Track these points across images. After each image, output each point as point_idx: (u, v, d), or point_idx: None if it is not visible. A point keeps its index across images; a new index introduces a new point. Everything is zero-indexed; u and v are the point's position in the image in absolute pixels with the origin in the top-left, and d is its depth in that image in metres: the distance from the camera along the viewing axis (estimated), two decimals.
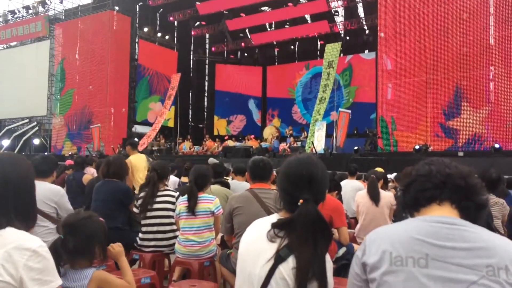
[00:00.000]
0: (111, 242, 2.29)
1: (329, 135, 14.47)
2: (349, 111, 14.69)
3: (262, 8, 20.90)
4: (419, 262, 1.16)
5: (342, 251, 3.71)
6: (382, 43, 13.86)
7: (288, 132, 17.91)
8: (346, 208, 5.26)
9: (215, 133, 23.00)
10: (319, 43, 22.37)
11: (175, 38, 23.35)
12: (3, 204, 1.37)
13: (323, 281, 1.42)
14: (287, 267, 1.44)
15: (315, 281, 1.41)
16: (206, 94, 24.99)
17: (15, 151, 18.42)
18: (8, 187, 1.39)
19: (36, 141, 21.97)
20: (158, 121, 19.01)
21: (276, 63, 24.52)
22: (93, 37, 19.60)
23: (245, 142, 17.67)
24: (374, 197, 4.65)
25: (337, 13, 20.64)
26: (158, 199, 3.90)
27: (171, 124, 21.75)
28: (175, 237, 3.79)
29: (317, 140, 13.74)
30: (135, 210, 3.96)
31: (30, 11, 22.54)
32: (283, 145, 16.33)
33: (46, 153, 17.73)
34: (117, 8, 19.83)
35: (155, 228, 3.83)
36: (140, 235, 3.85)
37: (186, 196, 3.65)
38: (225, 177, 5.34)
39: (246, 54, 24.89)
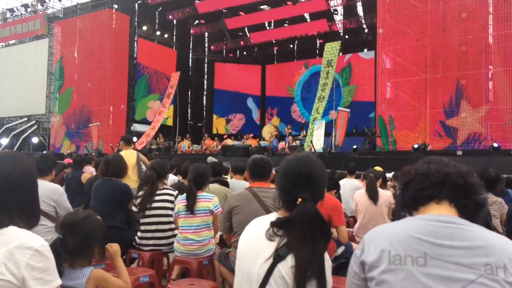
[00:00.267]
0: (110, 241, 2.29)
1: (328, 134, 14.47)
2: (348, 110, 14.70)
3: (261, 7, 20.86)
4: (417, 260, 1.16)
5: (341, 250, 3.71)
6: (381, 41, 13.86)
7: (287, 131, 17.91)
8: (345, 207, 5.28)
9: (214, 131, 22.99)
10: (318, 41, 22.34)
11: (174, 37, 23.31)
12: (5, 202, 1.37)
13: (322, 279, 1.42)
14: (286, 266, 1.44)
15: (314, 279, 1.41)
16: (205, 93, 24.96)
17: (14, 150, 18.40)
18: (11, 186, 1.39)
19: (35, 140, 21.94)
20: (157, 119, 19.00)
21: (275, 62, 24.49)
22: (92, 35, 19.56)
23: (243, 141, 17.66)
24: (373, 196, 4.65)
25: (336, 12, 20.62)
26: (157, 197, 3.90)
27: (170, 122, 21.74)
28: (174, 235, 3.80)
29: (316, 139, 13.74)
30: (134, 209, 3.96)
31: (29, 9, 22.48)
32: (282, 144, 16.34)
33: (44, 152, 17.71)
34: (116, 6, 19.78)
35: (153, 227, 3.83)
36: (139, 234, 3.85)
37: (185, 194, 3.65)
38: (223, 175, 5.34)
39: (245, 53, 24.86)
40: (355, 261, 1.28)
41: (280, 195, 1.62)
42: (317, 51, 22.26)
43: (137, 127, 20.56)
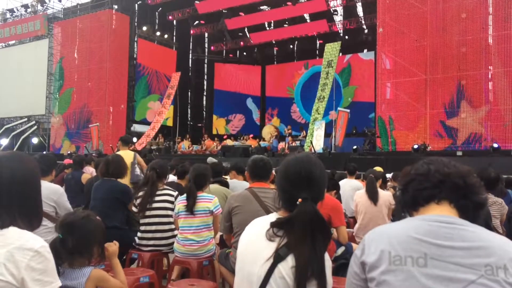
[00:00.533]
0: (110, 241, 2.29)
1: (328, 134, 14.48)
2: (348, 111, 14.70)
3: (261, 7, 20.87)
4: (418, 261, 1.16)
5: (341, 250, 3.71)
6: (381, 42, 13.86)
7: (287, 132, 17.92)
8: (345, 208, 5.27)
9: (214, 132, 23.00)
10: (318, 42, 22.35)
11: (174, 37, 23.32)
12: (8, 203, 1.37)
13: (322, 280, 1.42)
14: (286, 266, 1.44)
15: (314, 280, 1.41)
16: (205, 93, 24.97)
17: (14, 150, 18.37)
18: (13, 186, 1.39)
19: (35, 140, 21.94)
20: (157, 120, 19.00)
21: (275, 62, 24.51)
22: (92, 36, 19.57)
23: (243, 142, 17.65)
24: (373, 196, 4.65)
25: (336, 12, 20.63)
26: (157, 198, 3.90)
27: (170, 123, 21.74)
28: (174, 236, 3.79)
29: (316, 139, 13.74)
30: (134, 209, 3.96)
31: (29, 10, 22.49)
32: (282, 145, 16.34)
33: (44, 152, 17.71)
34: (116, 7, 19.80)
35: (154, 228, 3.83)
36: (139, 234, 3.85)
37: (185, 195, 3.65)
38: (223, 176, 5.34)
39: (245, 53, 24.86)
40: (355, 261, 1.28)
41: (280, 196, 1.62)
42: (317, 51, 22.28)
43: (137, 127, 20.56)
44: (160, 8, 21.66)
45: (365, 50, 20.62)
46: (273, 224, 1.51)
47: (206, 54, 24.80)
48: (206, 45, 24.91)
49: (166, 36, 22.17)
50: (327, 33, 20.68)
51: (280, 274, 1.44)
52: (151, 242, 3.80)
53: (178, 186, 4.72)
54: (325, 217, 1.56)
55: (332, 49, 15.86)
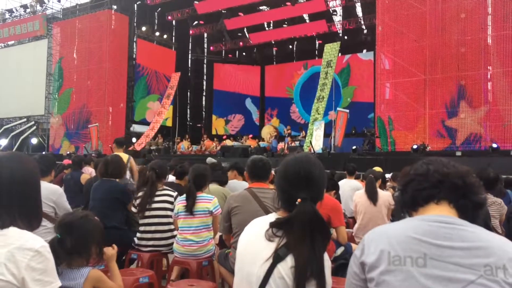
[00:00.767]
0: (109, 241, 2.29)
1: (327, 134, 14.49)
2: (347, 111, 14.70)
3: (260, 8, 20.87)
4: (417, 261, 1.16)
5: (340, 250, 3.71)
6: (380, 42, 13.87)
7: (286, 132, 17.92)
8: (344, 208, 5.27)
9: (213, 132, 22.99)
10: (317, 42, 22.35)
11: (173, 37, 23.32)
12: (8, 203, 1.37)
13: (322, 280, 1.42)
14: (286, 266, 1.44)
15: (314, 280, 1.41)
16: (204, 94, 24.96)
17: (13, 151, 18.36)
18: (13, 186, 1.39)
19: (34, 141, 21.91)
20: (157, 120, 18.99)
21: (275, 63, 24.51)
22: (91, 36, 19.55)
23: (242, 142, 17.65)
24: (372, 196, 4.65)
25: (335, 13, 20.65)
26: (156, 198, 3.89)
27: (169, 123, 21.73)
28: (173, 236, 3.79)
29: (315, 140, 13.75)
30: (133, 209, 3.95)
31: (28, 10, 22.47)
32: (281, 145, 16.34)
33: (44, 152, 17.69)
34: (115, 7, 19.78)
35: (153, 228, 3.82)
36: (138, 234, 3.85)
37: (184, 195, 3.65)
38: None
39: (244, 54, 24.86)
40: (355, 261, 1.28)
41: (279, 196, 1.62)
42: (316, 52, 22.28)
43: (136, 127, 20.55)
44: (159, 8, 21.66)
45: (364, 50, 20.63)
46: (272, 224, 1.51)
47: (206, 54, 24.80)
48: (205, 45, 24.91)
49: (165, 36, 22.17)
50: (326, 33, 20.69)
51: (280, 274, 1.44)
52: (151, 243, 3.80)
53: (178, 186, 4.71)
54: (325, 217, 1.56)
55: (331, 49, 15.86)
